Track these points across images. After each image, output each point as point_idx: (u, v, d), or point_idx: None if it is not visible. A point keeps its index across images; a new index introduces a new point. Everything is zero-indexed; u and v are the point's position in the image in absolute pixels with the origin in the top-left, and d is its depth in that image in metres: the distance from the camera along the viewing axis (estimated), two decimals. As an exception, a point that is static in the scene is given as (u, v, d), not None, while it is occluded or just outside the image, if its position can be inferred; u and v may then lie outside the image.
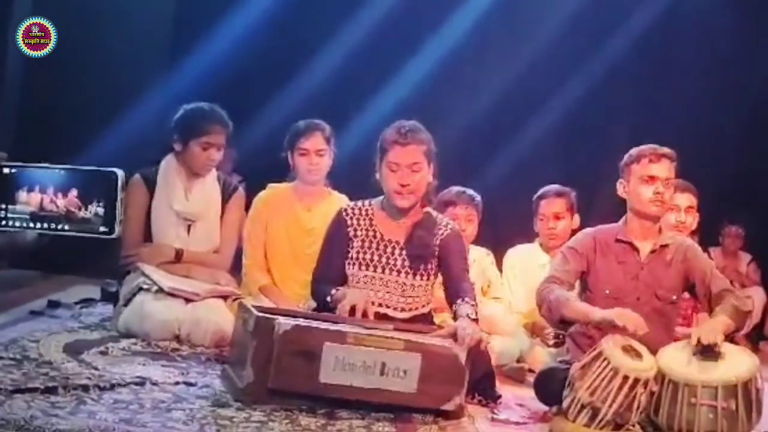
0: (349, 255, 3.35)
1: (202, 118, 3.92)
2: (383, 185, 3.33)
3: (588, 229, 3.47)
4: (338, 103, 6.21)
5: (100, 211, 2.24)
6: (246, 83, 6.36)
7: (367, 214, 3.38)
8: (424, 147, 3.29)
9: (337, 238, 3.39)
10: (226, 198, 4.05)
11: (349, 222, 3.37)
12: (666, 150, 3.34)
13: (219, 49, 6.25)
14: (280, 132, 4.30)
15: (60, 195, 2.26)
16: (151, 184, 3.93)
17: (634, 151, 3.38)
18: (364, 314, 3.10)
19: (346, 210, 3.42)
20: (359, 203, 3.44)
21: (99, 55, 5.82)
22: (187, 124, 3.93)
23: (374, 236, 3.35)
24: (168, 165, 3.97)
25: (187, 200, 3.95)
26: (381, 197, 3.40)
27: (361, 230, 3.36)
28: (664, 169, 3.30)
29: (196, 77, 5.98)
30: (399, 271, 3.32)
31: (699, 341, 2.94)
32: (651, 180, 3.29)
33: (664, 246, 3.33)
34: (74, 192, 2.24)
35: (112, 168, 2.26)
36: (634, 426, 2.93)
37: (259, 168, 4.63)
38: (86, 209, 2.24)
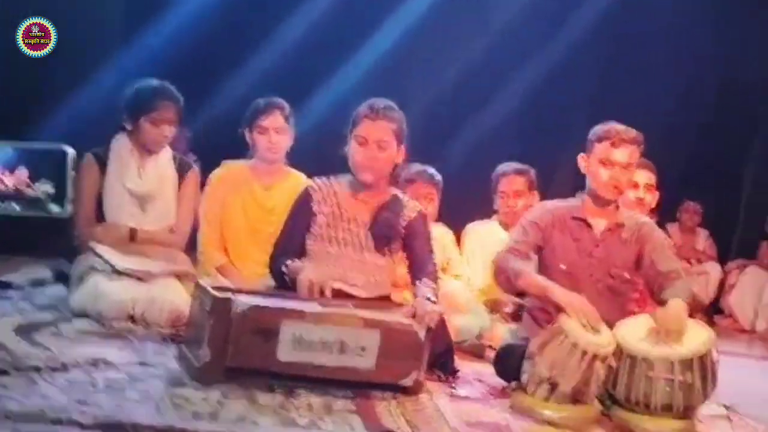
0: (312, 231, 3.32)
1: (151, 94, 3.86)
2: (349, 159, 3.30)
3: (546, 203, 3.47)
4: (297, 80, 6.14)
5: (50, 189, 2.19)
6: (202, 59, 6.26)
7: (333, 191, 3.35)
8: (394, 125, 3.27)
9: (301, 214, 3.36)
10: (180, 176, 4.00)
11: (314, 198, 3.34)
12: (631, 134, 3.27)
13: (174, 24, 6.13)
14: (238, 109, 4.24)
15: (8, 173, 2.20)
16: (103, 163, 3.87)
17: (600, 128, 3.31)
18: (321, 292, 3.07)
19: (312, 186, 3.39)
20: (325, 180, 3.40)
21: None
22: (135, 101, 3.87)
23: (339, 213, 3.32)
24: (120, 143, 3.91)
25: (140, 178, 3.89)
26: (348, 175, 3.37)
27: (327, 206, 3.33)
28: (626, 154, 3.25)
29: (150, 54, 5.88)
30: (362, 249, 3.30)
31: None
32: (609, 164, 3.25)
33: (620, 225, 3.33)
34: (23, 170, 2.19)
35: (61, 145, 2.20)
36: (592, 400, 2.95)
37: (215, 146, 4.55)
38: (36, 187, 2.19)
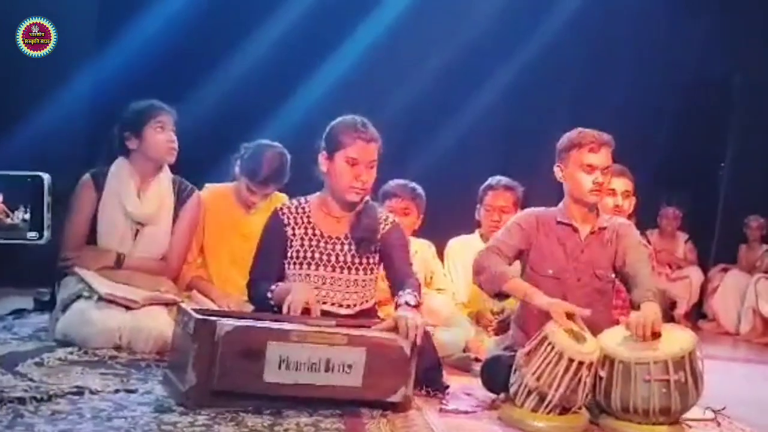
0: (289, 255, 3.29)
1: (149, 105, 3.86)
2: (333, 178, 3.26)
3: (531, 209, 3.48)
4: (269, 91, 6.12)
5: (28, 216, 2.16)
6: (175, 76, 6.21)
7: (304, 212, 3.33)
8: (379, 144, 3.28)
9: (274, 238, 3.32)
10: (180, 202, 3.94)
11: (285, 221, 3.31)
12: (605, 138, 3.34)
13: (145, 38, 6.06)
14: (209, 124, 4.22)
15: (-17, 202, 2.17)
16: (100, 185, 3.82)
17: (574, 136, 3.36)
18: (306, 311, 3.05)
19: (282, 209, 3.36)
20: (294, 201, 3.38)
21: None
22: (135, 114, 3.85)
23: (313, 234, 3.29)
24: (119, 167, 3.86)
25: (140, 200, 3.84)
26: (317, 194, 3.35)
27: (300, 229, 3.30)
28: (604, 158, 3.31)
29: (123, 68, 5.82)
30: (342, 268, 3.28)
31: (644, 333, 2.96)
32: (590, 169, 3.29)
33: (603, 228, 3.37)
34: None
35: (37, 172, 2.18)
36: (580, 409, 2.95)
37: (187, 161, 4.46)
38: (13, 215, 2.16)
